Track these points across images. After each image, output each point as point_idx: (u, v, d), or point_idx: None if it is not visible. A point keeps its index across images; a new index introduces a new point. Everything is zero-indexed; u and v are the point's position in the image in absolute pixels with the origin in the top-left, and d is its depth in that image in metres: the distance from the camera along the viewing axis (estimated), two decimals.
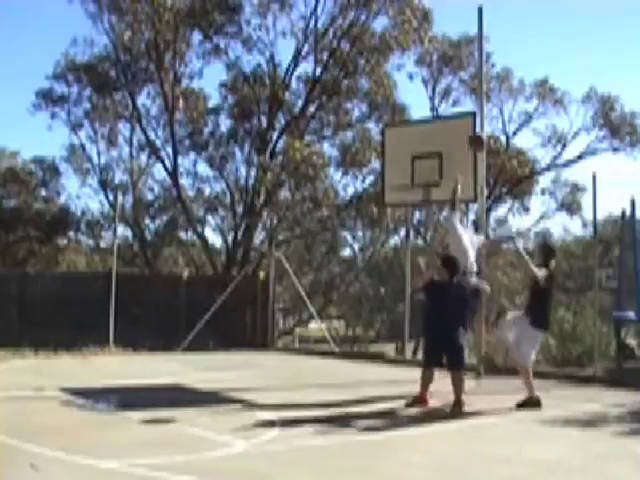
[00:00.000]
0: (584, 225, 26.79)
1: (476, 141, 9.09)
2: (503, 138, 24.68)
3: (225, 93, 21.49)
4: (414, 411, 7.36)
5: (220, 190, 22.66)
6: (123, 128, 23.67)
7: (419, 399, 7.55)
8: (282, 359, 13.54)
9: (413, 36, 19.23)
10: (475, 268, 8.37)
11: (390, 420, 6.93)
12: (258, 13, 19.74)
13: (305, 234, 22.39)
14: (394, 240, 25.03)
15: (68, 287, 16.31)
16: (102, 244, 25.99)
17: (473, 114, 9.92)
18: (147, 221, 25.39)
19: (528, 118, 25.03)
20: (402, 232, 19.92)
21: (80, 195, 26.03)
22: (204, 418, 6.76)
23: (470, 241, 8.52)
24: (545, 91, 24.30)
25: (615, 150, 24.14)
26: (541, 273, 7.75)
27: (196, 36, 20.28)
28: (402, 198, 10.49)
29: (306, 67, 20.38)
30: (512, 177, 22.68)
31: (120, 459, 5.02)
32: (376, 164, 18.88)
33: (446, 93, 24.25)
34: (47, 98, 21.88)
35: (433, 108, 24.19)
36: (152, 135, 21.80)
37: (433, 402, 7.63)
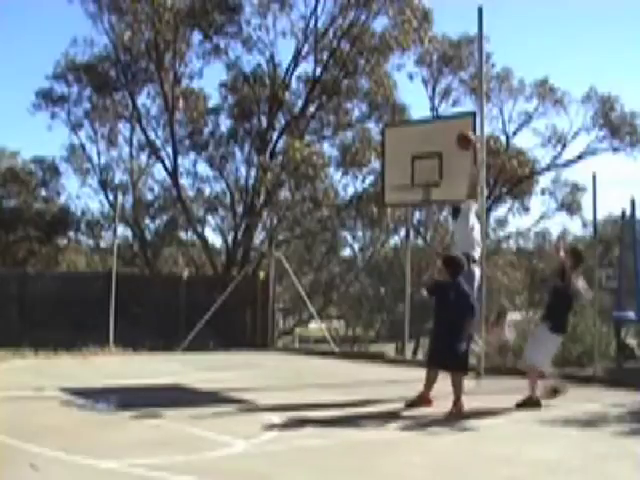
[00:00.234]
0: (584, 225, 26.88)
1: (462, 139, 8.96)
2: (503, 138, 24.76)
3: (225, 93, 21.52)
4: (414, 411, 7.35)
5: (220, 190, 22.73)
6: (123, 128, 23.73)
7: (422, 399, 7.55)
8: (282, 359, 13.53)
9: (413, 36, 19.24)
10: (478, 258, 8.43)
11: (390, 420, 6.92)
12: (258, 13, 19.77)
13: (305, 234, 22.40)
14: (394, 240, 25.11)
15: (68, 287, 16.31)
16: (102, 244, 26.04)
17: (473, 114, 9.92)
18: (147, 221, 25.44)
19: (528, 118, 25.10)
20: (402, 232, 19.96)
21: (80, 195, 25.99)
22: (204, 418, 6.76)
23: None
24: (545, 91, 24.32)
25: (615, 150, 24.20)
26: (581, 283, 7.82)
27: (196, 36, 20.34)
28: (402, 198, 10.50)
29: (306, 67, 20.43)
30: (512, 177, 22.71)
31: (120, 459, 5.02)
32: (376, 164, 18.89)
33: (446, 93, 24.28)
34: (47, 98, 21.89)
35: (433, 108, 24.24)
36: (152, 135, 21.86)
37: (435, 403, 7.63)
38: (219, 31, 19.89)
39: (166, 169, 21.33)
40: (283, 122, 20.64)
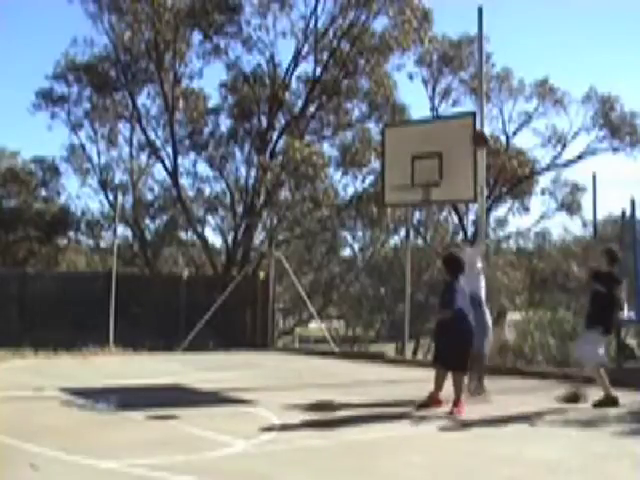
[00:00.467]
0: (584, 225, 26.78)
1: (479, 138, 9.09)
2: (503, 138, 24.75)
3: (225, 93, 21.54)
4: (414, 411, 7.35)
5: (220, 190, 22.74)
6: (123, 128, 23.72)
7: (433, 399, 7.54)
8: (282, 359, 13.53)
9: (413, 36, 19.25)
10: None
11: (390, 420, 6.92)
12: (258, 13, 19.78)
13: (305, 234, 22.39)
14: (394, 240, 25.09)
15: (68, 287, 16.32)
16: (102, 244, 26.02)
17: (473, 114, 9.91)
18: (147, 221, 25.43)
19: (528, 118, 25.06)
20: (402, 232, 19.97)
21: (80, 195, 26.03)
22: (204, 418, 6.76)
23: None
24: (545, 91, 24.30)
25: (615, 150, 24.18)
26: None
27: (196, 36, 20.37)
28: (402, 198, 10.48)
29: (306, 67, 20.45)
30: (512, 177, 22.70)
31: (120, 459, 5.02)
32: (376, 164, 18.91)
33: (446, 93, 24.26)
34: (47, 98, 21.90)
35: (433, 108, 24.23)
36: (152, 135, 21.87)
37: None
38: (219, 31, 19.90)
39: (166, 169, 21.36)
40: (283, 122, 20.65)
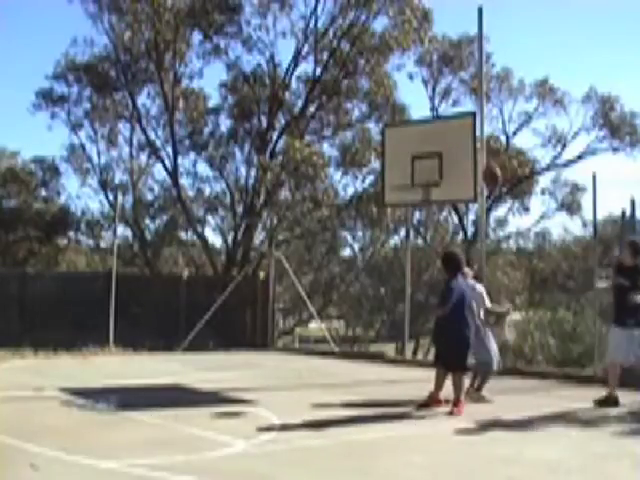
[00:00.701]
0: (584, 225, 26.82)
1: (491, 176, 9.07)
2: (503, 138, 24.75)
3: (225, 93, 21.53)
4: (414, 411, 7.35)
5: (220, 190, 22.73)
6: (123, 128, 23.69)
7: (433, 399, 7.54)
8: (282, 359, 13.53)
9: (413, 36, 19.23)
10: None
11: (390, 420, 6.92)
12: (258, 13, 19.78)
13: (305, 234, 22.38)
14: (394, 240, 25.10)
15: (68, 287, 16.32)
16: (102, 244, 25.98)
17: (473, 114, 9.94)
18: (147, 221, 25.41)
19: (528, 118, 25.07)
20: (402, 232, 19.96)
21: (80, 195, 25.97)
22: (204, 418, 6.76)
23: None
24: (545, 91, 24.31)
25: (615, 150, 24.18)
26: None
27: (196, 36, 20.36)
28: (402, 198, 10.50)
29: (306, 67, 20.43)
30: (512, 177, 22.69)
31: (120, 459, 5.02)
32: (376, 164, 18.90)
33: (446, 93, 24.27)
34: (47, 98, 21.88)
35: (433, 108, 24.23)
36: (152, 135, 21.87)
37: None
38: (219, 31, 19.89)
39: (166, 169, 21.36)
40: (283, 122, 20.64)
